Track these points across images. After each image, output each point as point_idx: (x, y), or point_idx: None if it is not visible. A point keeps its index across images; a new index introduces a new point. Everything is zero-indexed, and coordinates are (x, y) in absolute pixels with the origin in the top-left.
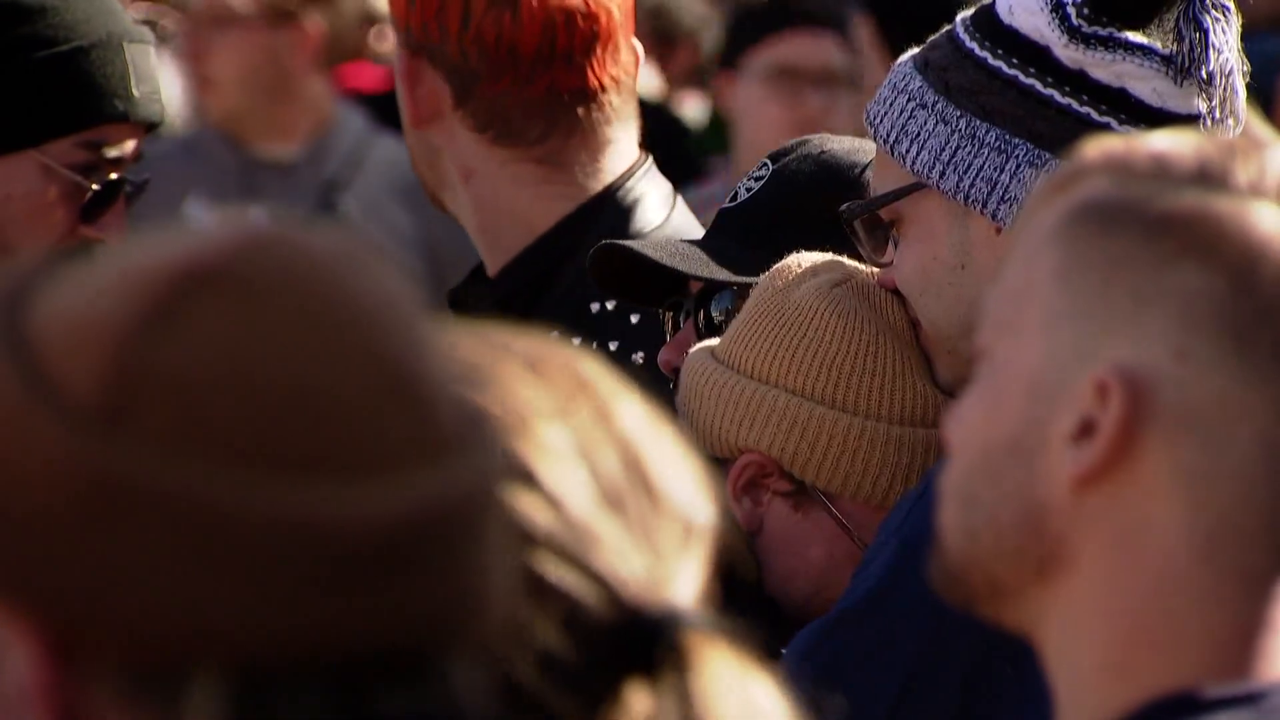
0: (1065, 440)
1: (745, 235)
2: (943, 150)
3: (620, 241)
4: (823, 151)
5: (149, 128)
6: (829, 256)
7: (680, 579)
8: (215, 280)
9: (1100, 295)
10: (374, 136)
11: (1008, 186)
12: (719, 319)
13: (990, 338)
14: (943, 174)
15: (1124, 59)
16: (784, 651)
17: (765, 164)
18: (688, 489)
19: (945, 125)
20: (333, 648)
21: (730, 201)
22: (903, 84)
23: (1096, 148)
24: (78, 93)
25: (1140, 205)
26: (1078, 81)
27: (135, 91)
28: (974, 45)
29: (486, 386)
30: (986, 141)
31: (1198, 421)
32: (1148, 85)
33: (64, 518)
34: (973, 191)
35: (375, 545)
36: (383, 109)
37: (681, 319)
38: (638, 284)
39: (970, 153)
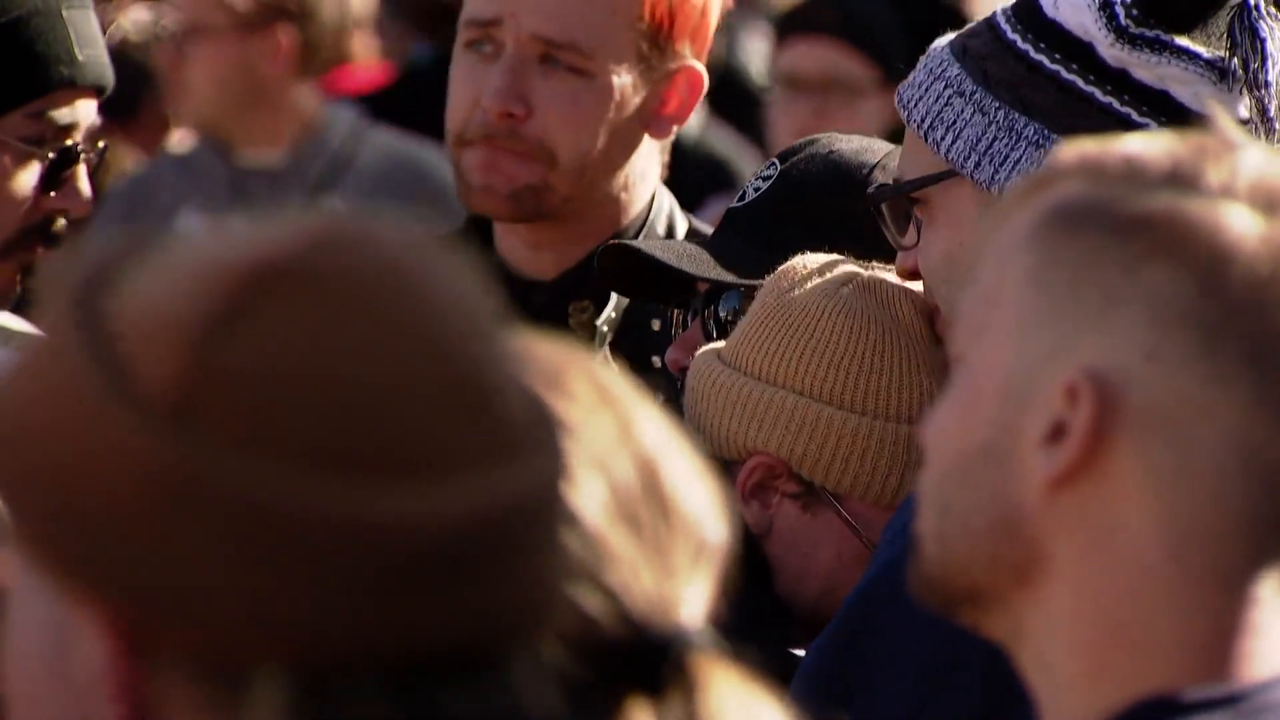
0: (1037, 444)
1: (752, 235)
2: (979, 141)
3: (628, 241)
4: (830, 151)
5: (99, 91)
6: (834, 257)
7: (690, 597)
8: (287, 278)
9: (1070, 297)
10: (365, 135)
11: None
12: (726, 319)
13: (964, 342)
14: (978, 164)
15: (1169, 62)
16: (793, 653)
17: (773, 164)
18: (702, 506)
19: (983, 116)
20: (398, 647)
21: (738, 201)
22: (939, 69)
23: (1071, 151)
24: (21, 64)
25: (1111, 207)
26: (1119, 81)
27: (79, 55)
28: (1015, 37)
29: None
30: (1024, 135)
31: (1168, 422)
32: (1189, 89)
33: (135, 511)
34: (1007, 184)
35: (441, 546)
36: (375, 109)
37: (689, 319)
38: (646, 283)
39: (1007, 145)
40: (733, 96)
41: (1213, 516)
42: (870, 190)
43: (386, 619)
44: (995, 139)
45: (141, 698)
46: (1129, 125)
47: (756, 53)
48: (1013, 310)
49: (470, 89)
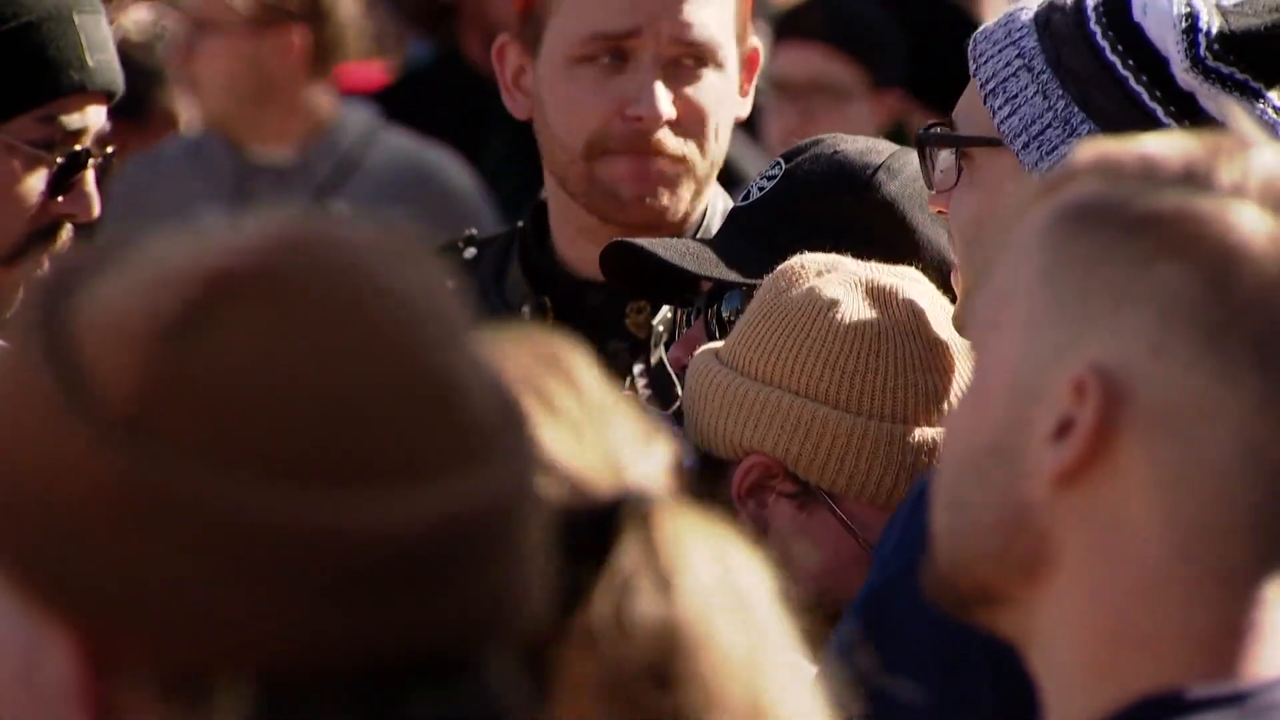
0: (1045, 440)
1: (755, 234)
2: (1034, 123)
3: (632, 240)
4: (835, 151)
5: (109, 96)
6: (832, 257)
7: (640, 470)
8: (249, 284)
9: (1080, 294)
10: (378, 136)
11: None
12: (728, 318)
13: (979, 339)
14: (1025, 145)
15: (1238, 100)
16: None
17: (778, 163)
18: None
19: (1044, 100)
20: (363, 654)
21: (743, 200)
22: (1017, 35)
23: (1088, 149)
24: (32, 68)
25: (1122, 205)
26: (1185, 104)
27: (89, 61)
28: (1097, 29)
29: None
30: (1079, 132)
31: (1174, 419)
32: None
33: (95, 521)
34: (1048, 174)
35: (403, 554)
36: (387, 106)
37: (692, 318)
38: (649, 282)
39: (1059, 136)
40: None
41: (1219, 514)
42: (921, 131)
43: (349, 627)
44: (1049, 126)
45: (110, 710)
46: None
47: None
48: (1024, 307)
49: (602, 100)
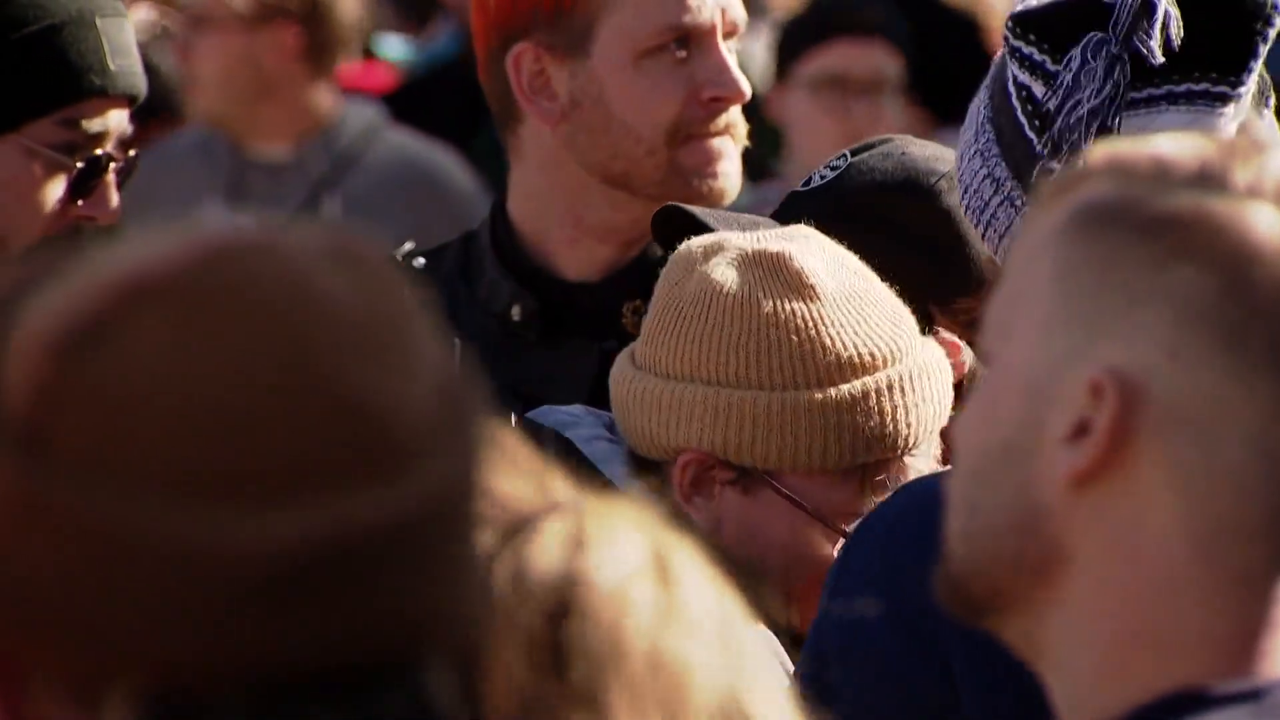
0: (1060, 441)
1: (808, 219)
2: (972, 180)
3: (684, 205)
4: (904, 153)
5: (131, 101)
6: (718, 236)
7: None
8: (159, 295)
9: (1094, 295)
10: (379, 133)
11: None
12: None
13: (991, 341)
14: (968, 210)
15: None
16: None
17: (844, 155)
18: None
19: (981, 159)
20: (259, 667)
21: (804, 185)
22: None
23: (1101, 151)
24: (53, 71)
25: (1136, 206)
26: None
27: (111, 65)
28: (1007, 48)
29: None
30: (1001, 183)
31: (1191, 421)
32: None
33: None
34: (1061, 174)
35: (295, 570)
36: (393, 108)
37: None
38: None
39: (990, 190)
40: None
41: (1236, 516)
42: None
43: (242, 641)
44: (984, 181)
45: (17, 709)
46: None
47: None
48: (1039, 309)
49: (676, 88)
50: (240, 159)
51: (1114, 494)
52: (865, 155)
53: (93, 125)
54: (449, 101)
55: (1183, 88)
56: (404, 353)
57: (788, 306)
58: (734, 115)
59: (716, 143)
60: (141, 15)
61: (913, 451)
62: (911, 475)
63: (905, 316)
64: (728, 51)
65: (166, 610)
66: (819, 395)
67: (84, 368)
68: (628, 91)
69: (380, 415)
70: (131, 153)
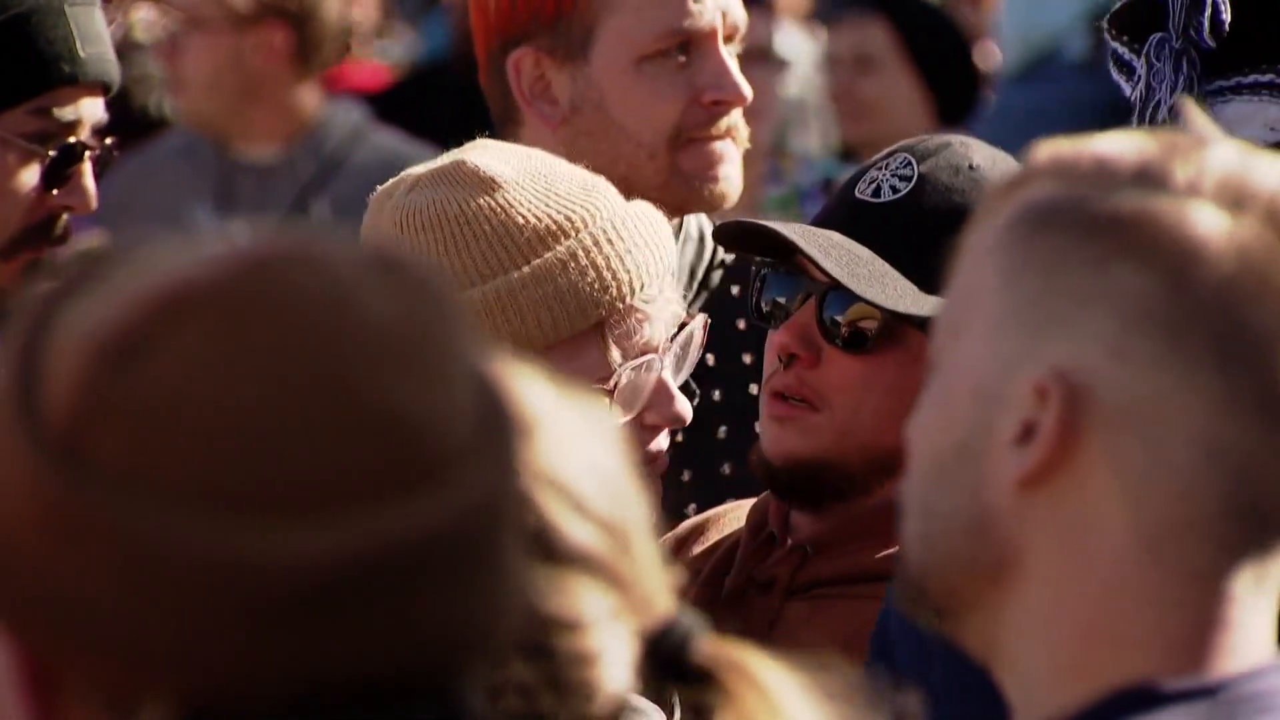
0: (1008, 444)
1: (887, 237)
2: None
3: (767, 224)
4: (971, 166)
5: (104, 89)
6: (393, 181)
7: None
8: (199, 308)
9: (1040, 297)
10: (364, 135)
11: None
12: (828, 318)
13: (942, 342)
14: None
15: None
16: None
17: (908, 162)
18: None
19: None
20: (294, 680)
21: (871, 195)
22: None
23: (1044, 150)
24: (22, 60)
25: (1079, 206)
26: None
27: (81, 53)
28: None
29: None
30: None
31: (1136, 421)
32: None
33: (31, 539)
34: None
35: (327, 582)
36: (383, 107)
37: (800, 301)
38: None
39: None
40: None
41: (1184, 513)
42: None
43: (277, 654)
44: None
45: (50, 711)
46: None
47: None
48: (987, 311)
49: (676, 91)
50: (227, 161)
51: (1063, 495)
52: (931, 164)
53: (65, 114)
54: (444, 102)
55: (1249, 79)
56: (441, 366)
57: (473, 203)
58: (735, 118)
59: (718, 146)
60: (144, 15)
61: (644, 297)
62: (659, 325)
63: (599, 183)
64: (728, 55)
65: (202, 623)
66: (527, 270)
67: (123, 381)
68: (628, 96)
69: (417, 428)
70: (108, 141)
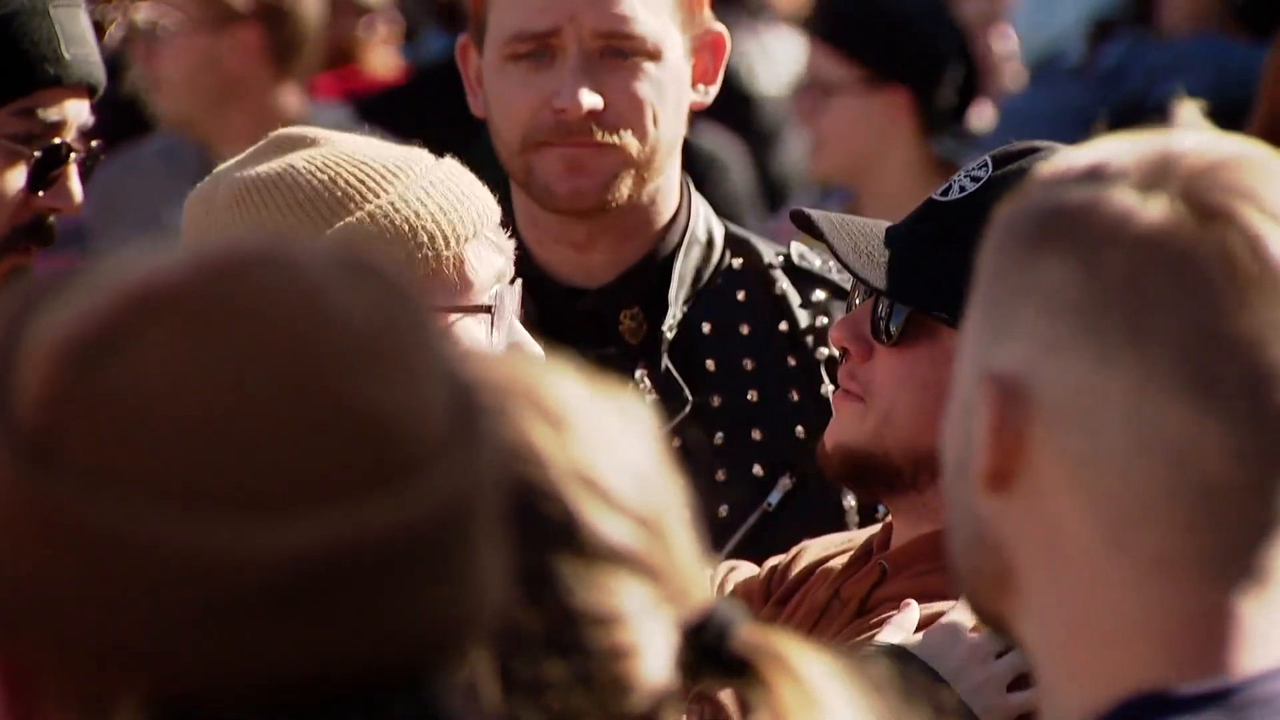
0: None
1: (952, 232)
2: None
3: (807, 211)
4: None
5: (90, 90)
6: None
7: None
8: (169, 307)
9: (994, 303)
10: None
11: None
12: (882, 319)
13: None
14: None
15: None
16: None
17: (986, 164)
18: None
19: None
20: (268, 677)
21: (942, 194)
22: None
23: (1044, 165)
24: (6, 62)
25: (1024, 209)
26: None
27: (65, 54)
28: None
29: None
30: None
31: (1073, 411)
32: None
33: (4, 538)
34: None
35: (299, 579)
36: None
37: (859, 297)
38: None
39: None
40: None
41: (1132, 501)
42: None
43: (250, 651)
44: None
45: (29, 708)
46: None
47: (747, 54)
48: (969, 323)
49: (529, 95)
50: (208, 164)
51: (1028, 496)
52: (1008, 169)
53: (50, 115)
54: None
55: None
56: (411, 363)
57: (311, 160)
58: (597, 127)
59: (570, 152)
60: (143, 15)
61: (474, 238)
62: (489, 266)
63: (417, 153)
64: (583, 60)
65: (171, 620)
66: (371, 207)
67: (94, 378)
68: (495, 94)
69: (388, 425)
70: (95, 143)
